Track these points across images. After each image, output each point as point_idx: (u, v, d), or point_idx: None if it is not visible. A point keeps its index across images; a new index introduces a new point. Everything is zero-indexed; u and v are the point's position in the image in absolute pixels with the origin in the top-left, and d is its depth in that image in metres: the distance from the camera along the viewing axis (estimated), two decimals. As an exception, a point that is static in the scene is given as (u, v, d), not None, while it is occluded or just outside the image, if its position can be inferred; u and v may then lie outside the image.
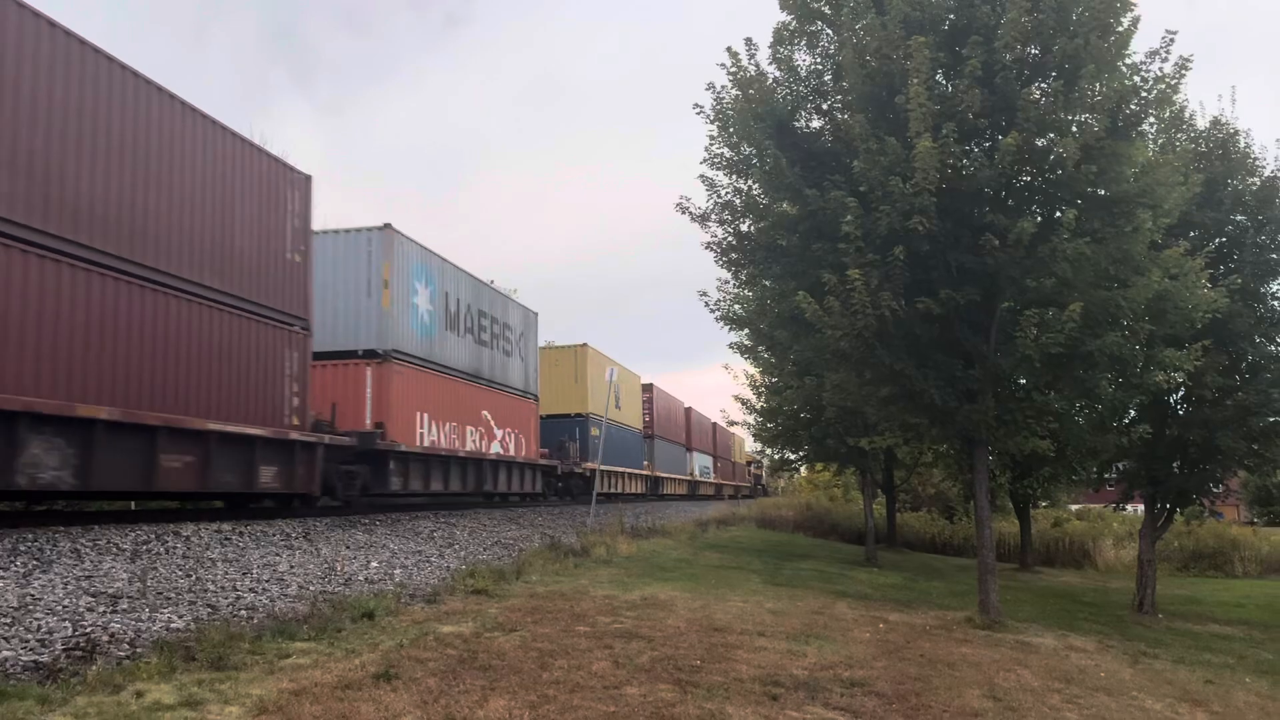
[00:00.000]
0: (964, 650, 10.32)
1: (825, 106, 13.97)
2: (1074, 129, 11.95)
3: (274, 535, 12.26)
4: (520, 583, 12.15)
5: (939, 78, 12.47)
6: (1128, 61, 12.23)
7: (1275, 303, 17.49)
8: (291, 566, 10.64)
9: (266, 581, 9.68)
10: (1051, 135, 12.03)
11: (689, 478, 53.90)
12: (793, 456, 29.97)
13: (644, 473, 41.06)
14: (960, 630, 11.95)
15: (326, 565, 11.13)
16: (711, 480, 61.06)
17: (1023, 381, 13.73)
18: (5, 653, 6.10)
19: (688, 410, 53.89)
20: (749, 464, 77.49)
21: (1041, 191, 12.84)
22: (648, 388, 43.45)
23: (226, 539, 11.34)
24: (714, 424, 61.15)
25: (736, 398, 27.31)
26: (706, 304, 17.37)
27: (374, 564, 11.88)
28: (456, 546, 14.83)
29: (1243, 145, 17.69)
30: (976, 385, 13.06)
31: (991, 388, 13.13)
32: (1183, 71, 12.25)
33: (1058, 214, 12.35)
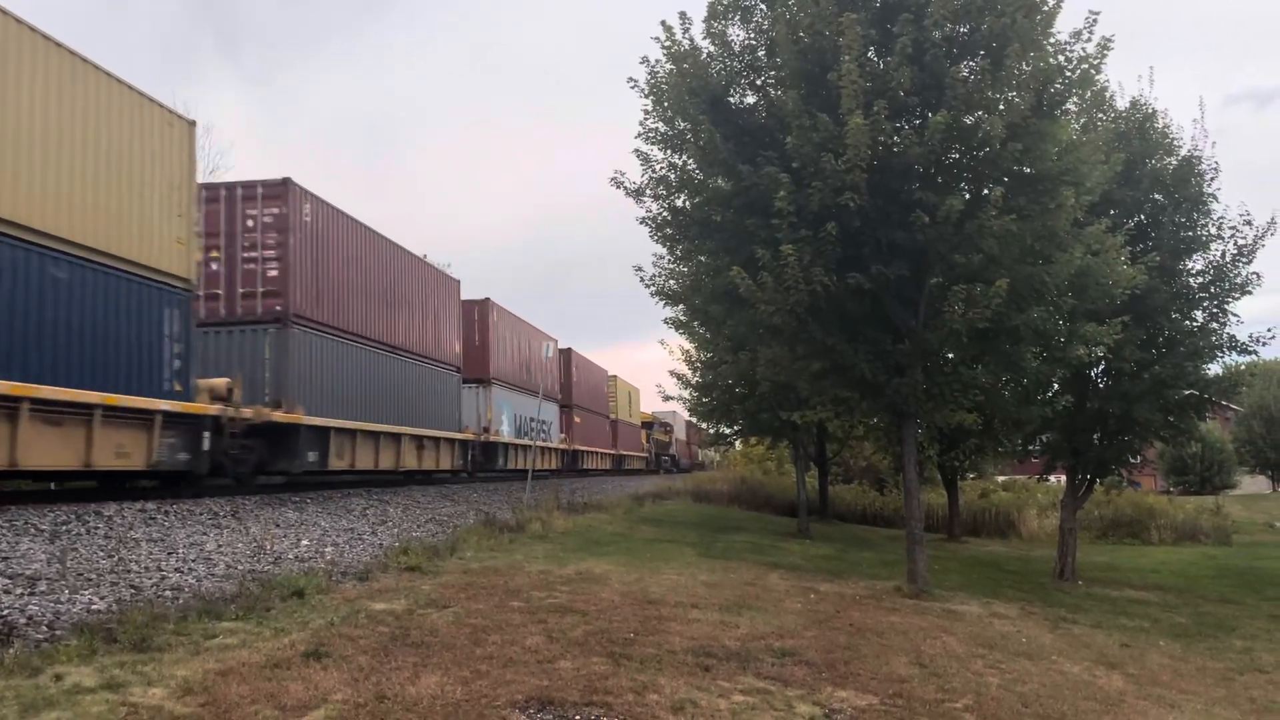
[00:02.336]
0: (892, 619, 10.55)
1: (759, 82, 14.00)
2: (1001, 107, 12.16)
3: (201, 514, 12.02)
4: (454, 559, 12.09)
5: (870, 55, 12.58)
6: (1052, 41, 12.46)
7: (1190, 279, 18.04)
8: (219, 545, 10.44)
9: (193, 561, 9.49)
10: (979, 113, 12.22)
11: (615, 451, 51.01)
12: (728, 431, 30.22)
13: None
14: (889, 599, 12.22)
15: (256, 544, 10.95)
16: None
17: (950, 355, 14.01)
18: (-85, 638, 5.90)
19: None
20: (646, 427, 63.98)
21: (969, 169, 13.06)
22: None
23: (151, 518, 11.09)
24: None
25: (672, 373, 27.46)
26: (642, 279, 17.41)
27: (305, 542, 11.72)
28: (390, 524, 14.69)
29: (1160, 125, 18.19)
30: (906, 359, 13.29)
31: (920, 362, 13.36)
32: (1105, 51, 12.53)
33: (985, 191, 12.56)
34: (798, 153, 12.08)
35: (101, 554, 8.99)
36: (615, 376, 52.66)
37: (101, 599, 7.51)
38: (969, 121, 12.34)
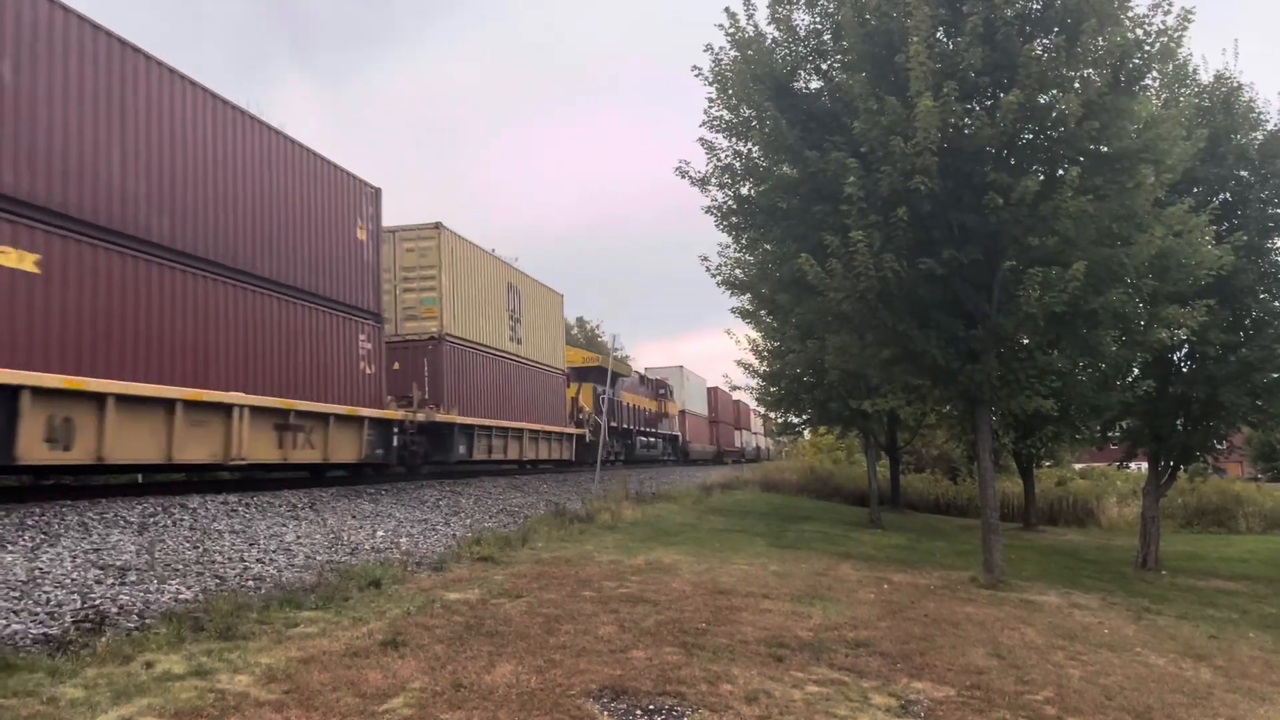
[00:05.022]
0: (968, 609, 10.37)
1: (825, 67, 13.81)
2: (1076, 85, 11.83)
3: (280, 506, 12.31)
4: (526, 549, 12.20)
5: (939, 35, 12.33)
6: (1130, 15, 12.07)
7: (1279, 258, 17.37)
8: (298, 537, 10.68)
9: (273, 552, 9.72)
10: (1054, 92, 11.91)
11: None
12: (796, 420, 29.99)
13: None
14: (964, 590, 12.02)
15: (333, 535, 11.18)
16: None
17: (1025, 341, 13.70)
18: (15, 626, 6.14)
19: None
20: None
21: (1044, 149, 12.73)
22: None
23: (233, 510, 11.38)
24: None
25: (739, 362, 27.28)
26: (708, 268, 17.34)
27: (380, 533, 11.93)
28: (462, 514, 14.89)
29: (1246, 99, 17.51)
30: (979, 345, 13.03)
31: (994, 347, 13.10)
32: (1185, 24, 12.11)
33: (1060, 171, 12.24)
34: (866, 137, 11.91)
35: (187, 545, 9.26)
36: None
37: (188, 589, 7.73)
38: (1043, 100, 12.03)
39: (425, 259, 20.39)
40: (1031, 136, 12.73)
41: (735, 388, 31.57)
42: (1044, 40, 12.13)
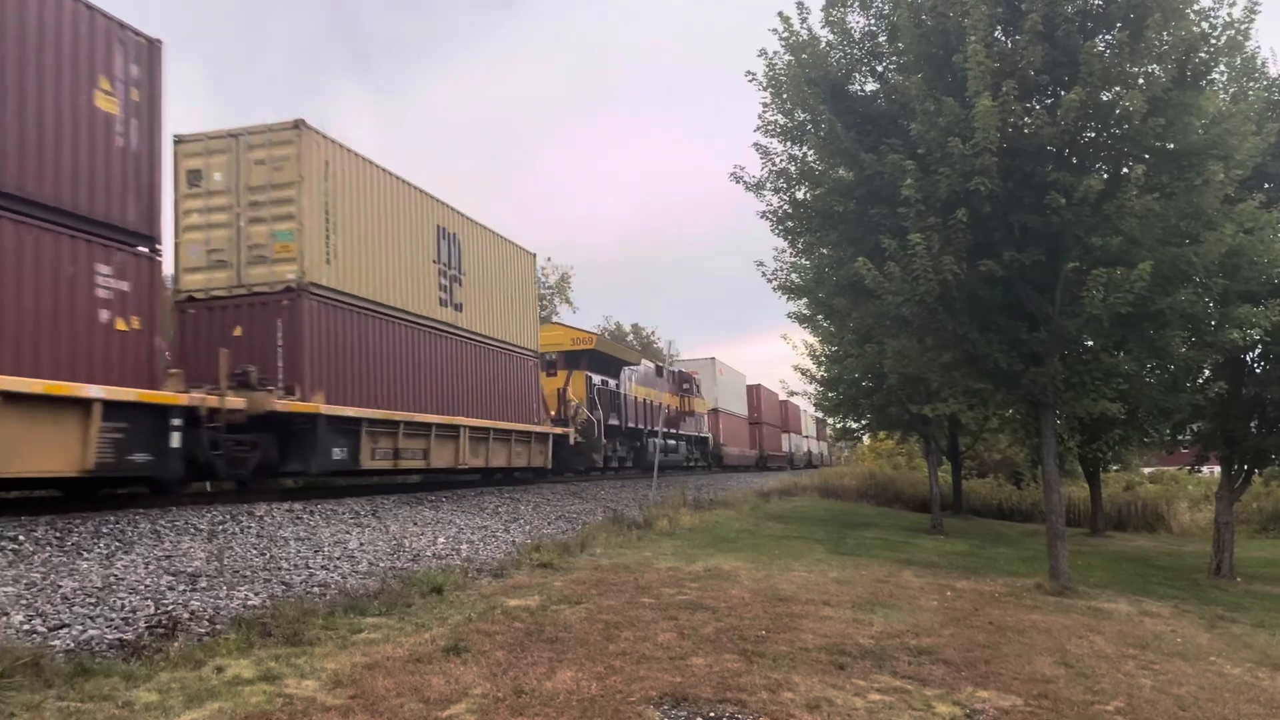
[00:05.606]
0: (1034, 617, 10.18)
1: (880, 69, 13.70)
2: (1140, 81, 11.58)
3: (343, 513, 12.52)
4: (585, 556, 12.26)
5: (998, 34, 12.15)
6: (1195, 8, 11.79)
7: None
8: (361, 544, 10.85)
9: (337, 559, 9.89)
10: (1117, 88, 11.66)
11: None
12: (855, 425, 29.73)
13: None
14: (1030, 597, 11.80)
15: (395, 542, 11.33)
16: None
17: (1090, 343, 13.42)
18: (91, 631, 6.32)
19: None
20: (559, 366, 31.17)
21: (1107, 147, 12.48)
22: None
23: (298, 518, 11.59)
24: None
25: (796, 367, 27.10)
26: (764, 274, 17.28)
27: (441, 540, 12.06)
28: (521, 521, 15.00)
29: (1320, 92, 16.96)
30: (1042, 348, 12.80)
31: (1058, 350, 12.86)
32: (1252, 16, 11.79)
33: (1125, 169, 11.99)
34: (923, 139, 11.79)
35: (254, 552, 9.45)
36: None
37: (256, 595, 7.90)
38: (1106, 97, 11.79)
39: (280, 174, 13.81)
40: (1094, 134, 12.50)
41: (792, 393, 31.40)
42: (1106, 36, 11.90)
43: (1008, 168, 11.74)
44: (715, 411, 42.09)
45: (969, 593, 11.64)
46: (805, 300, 19.94)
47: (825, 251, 15.38)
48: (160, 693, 5.25)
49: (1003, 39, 12.23)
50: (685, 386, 37.45)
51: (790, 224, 14.83)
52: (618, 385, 29.31)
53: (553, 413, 24.09)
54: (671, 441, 33.78)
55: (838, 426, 32.49)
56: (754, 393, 50.62)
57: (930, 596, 10.99)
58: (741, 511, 22.09)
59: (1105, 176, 11.96)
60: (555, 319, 43.11)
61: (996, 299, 12.99)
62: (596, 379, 27.20)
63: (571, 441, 23.84)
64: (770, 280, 17.44)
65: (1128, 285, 11.41)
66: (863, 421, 28.39)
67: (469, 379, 18.66)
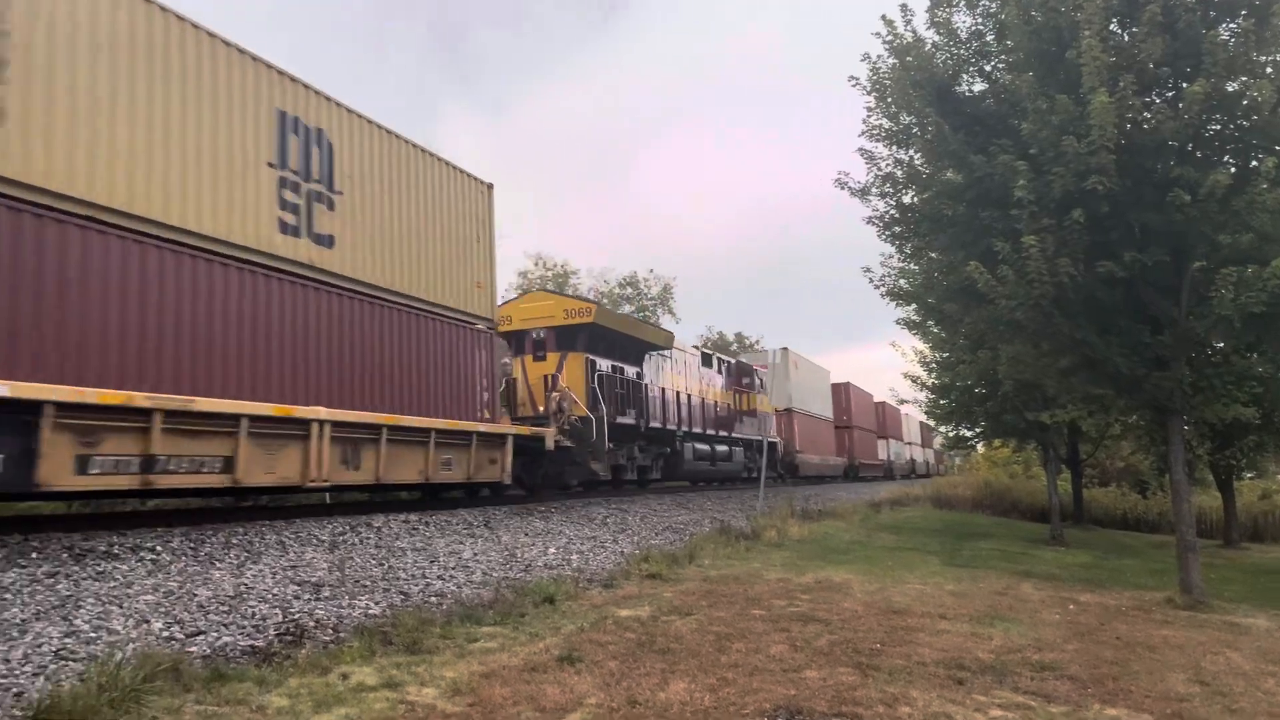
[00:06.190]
0: (1165, 632, 9.74)
1: (988, 68, 13.39)
2: (1268, 70, 11.04)
3: (457, 524, 12.80)
4: (693, 566, 12.26)
5: (1113, 27, 11.75)
6: (1329, -10, 11.18)
7: None
8: (475, 554, 11.07)
9: (452, 569, 10.12)
10: (1243, 78, 11.14)
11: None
12: (968, 433, 28.98)
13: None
14: (1160, 611, 11.30)
15: (507, 552, 11.54)
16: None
17: (1220, 345, 12.81)
18: (225, 638, 6.61)
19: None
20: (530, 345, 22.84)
21: (1234, 140, 11.91)
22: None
23: (414, 529, 11.91)
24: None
25: (906, 375, 26.58)
26: (871, 279, 17.03)
27: (552, 550, 12.23)
28: (629, 532, 15.09)
29: None
30: (1167, 351, 12.27)
31: (1185, 353, 12.31)
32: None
33: (1254, 162, 11.42)
34: (1035, 138, 11.45)
35: (373, 562, 9.75)
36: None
37: (376, 604, 8.15)
38: (1231, 89, 11.27)
39: None
40: (1220, 127, 11.94)
41: (903, 401, 30.82)
42: (1230, 25, 11.38)
43: (1126, 165, 11.31)
44: (789, 412, 35.66)
45: (1094, 606, 11.22)
46: (914, 306, 19.54)
47: (934, 256, 15.07)
48: (290, 698, 5.46)
49: (1119, 32, 11.81)
50: (745, 381, 31.64)
51: (898, 229, 14.60)
52: (639, 374, 23.17)
53: (541, 408, 19.24)
54: (722, 447, 28.43)
55: (950, 435, 31.72)
56: (842, 392, 45.31)
57: (1052, 610, 10.63)
58: (851, 522, 21.77)
59: (1233, 171, 11.42)
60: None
61: (1117, 301, 12.51)
62: (604, 364, 21.15)
63: (550, 446, 17.45)
64: (878, 286, 17.19)
65: (1260, 284, 10.85)
66: (976, 429, 27.65)
67: (341, 350, 12.63)
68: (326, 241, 12.60)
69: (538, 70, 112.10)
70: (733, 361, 32.03)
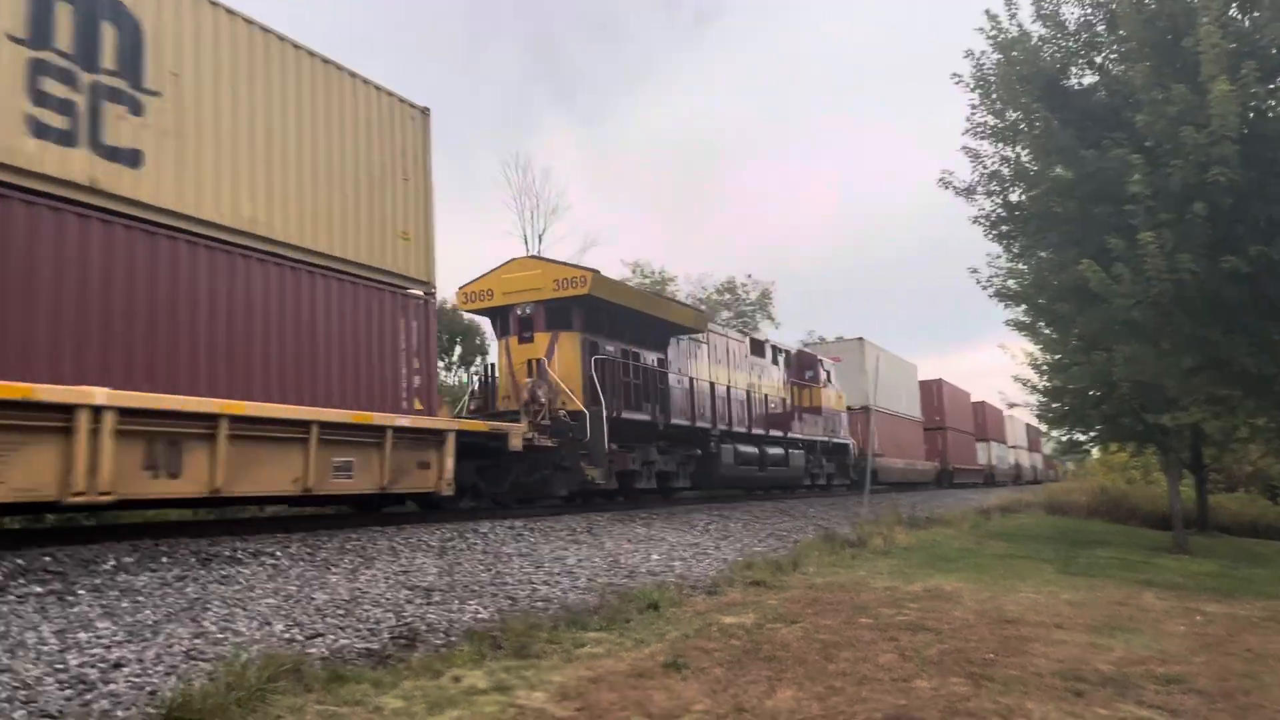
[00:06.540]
0: (1301, 646, 9.24)
1: (1099, 60, 13.01)
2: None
3: (560, 530, 12.95)
4: (797, 574, 12.14)
5: (1233, 12, 11.26)
6: None
7: None
8: (579, 560, 11.19)
9: (557, 574, 10.24)
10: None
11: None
12: (1082, 438, 28.01)
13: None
14: (1295, 623, 10.72)
15: (611, 558, 11.62)
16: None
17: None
18: (343, 641, 6.83)
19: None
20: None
21: (1368, 126, 11.29)
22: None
23: (519, 535, 12.09)
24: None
25: (1016, 378, 25.84)
26: (978, 280, 16.66)
27: (654, 556, 12.27)
28: (731, 538, 15.03)
29: None
30: (1299, 349, 11.69)
31: (1318, 351, 11.70)
32: None
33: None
34: (1151, 130, 11.05)
35: (481, 567, 9.94)
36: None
37: (485, 609, 8.30)
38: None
39: None
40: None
41: (1012, 405, 29.99)
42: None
43: (1250, 155, 10.82)
44: (866, 410, 30.35)
45: (1222, 617, 10.71)
46: (1024, 307, 19.02)
47: (1044, 255, 14.68)
48: (405, 699, 5.61)
49: (1238, 17, 11.33)
50: (809, 374, 28.06)
51: (1005, 228, 14.29)
52: (661, 361, 19.58)
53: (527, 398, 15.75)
54: (774, 450, 24.26)
55: (1063, 439, 30.68)
56: (932, 390, 41.85)
57: (1176, 620, 10.18)
58: (960, 529, 21.26)
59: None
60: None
61: (1242, 297, 11.96)
62: (609, 348, 17.67)
63: (516, 446, 13.97)
64: (985, 287, 16.81)
65: (1402, 277, 10.26)
66: (1091, 434, 26.71)
67: (153, 310, 9.24)
68: (127, 158, 9.09)
69: (632, 81, 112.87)
70: (792, 351, 28.54)
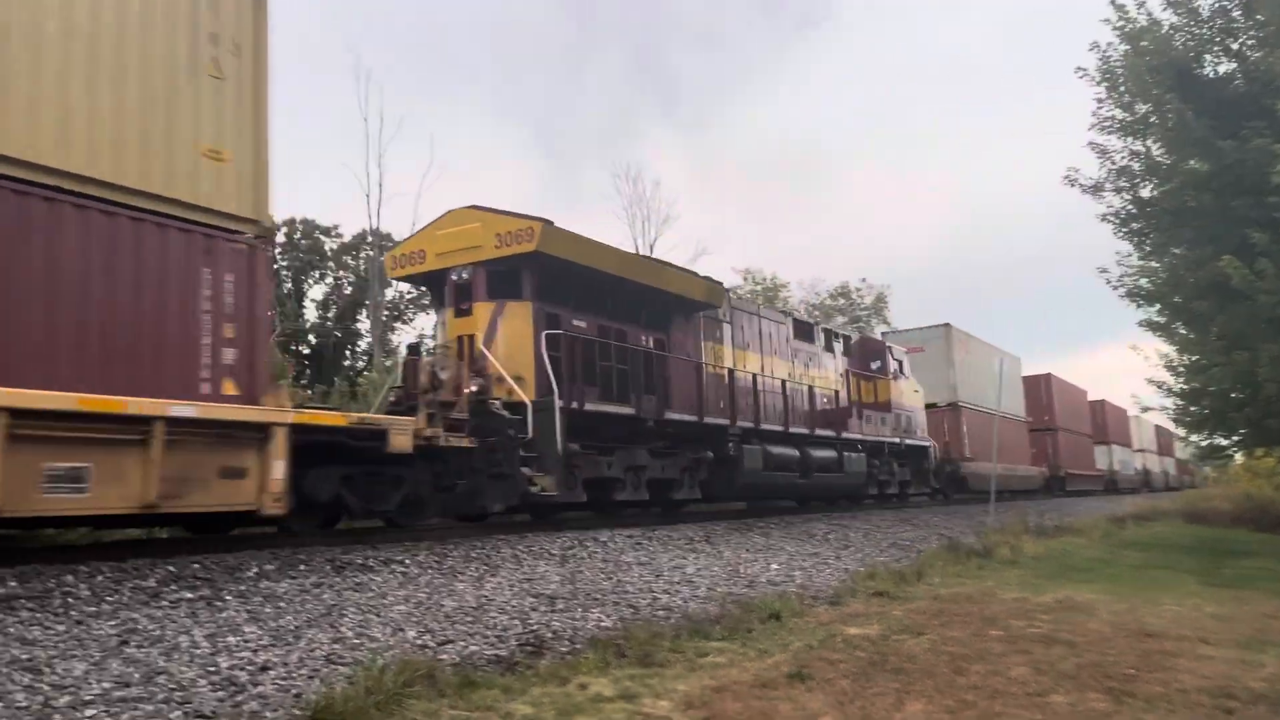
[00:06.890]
0: None
1: (1235, 46, 12.39)
2: None
3: (679, 539, 12.99)
4: (922, 584, 11.89)
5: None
6: None
7: None
8: (698, 569, 11.20)
9: (677, 583, 10.27)
10: None
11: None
12: (1224, 442, 26.58)
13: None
14: None
15: (730, 568, 11.59)
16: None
17: None
18: (472, 647, 7.00)
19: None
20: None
21: None
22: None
23: (638, 544, 12.18)
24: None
25: (1150, 380, 24.69)
26: (1108, 280, 16.06)
27: (774, 566, 12.18)
28: (852, 548, 14.82)
29: None
30: None
31: None
32: None
33: None
34: (1295, 117, 10.49)
35: (602, 576, 10.05)
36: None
37: (608, 617, 8.39)
38: None
39: None
40: None
41: (1146, 409, 28.69)
42: None
43: None
44: (955, 408, 28.37)
45: (1385, 634, 10.02)
46: (1158, 306, 18.22)
47: (1178, 252, 14.08)
48: (534, 706, 5.72)
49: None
50: (874, 365, 24.35)
51: (1136, 225, 13.77)
52: (659, 342, 16.15)
53: (466, 389, 11.89)
54: (822, 453, 20.17)
55: (1202, 444, 29.18)
56: (1041, 386, 37.52)
57: (1335, 637, 9.58)
58: (1092, 538, 20.46)
59: None
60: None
61: (1402, 292, 11.23)
62: (578, 322, 14.32)
63: (403, 447, 10.40)
64: (1116, 287, 16.20)
65: None
66: (1234, 438, 25.32)
67: None
68: None
69: (736, 87, 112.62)
70: (852, 337, 25.07)
